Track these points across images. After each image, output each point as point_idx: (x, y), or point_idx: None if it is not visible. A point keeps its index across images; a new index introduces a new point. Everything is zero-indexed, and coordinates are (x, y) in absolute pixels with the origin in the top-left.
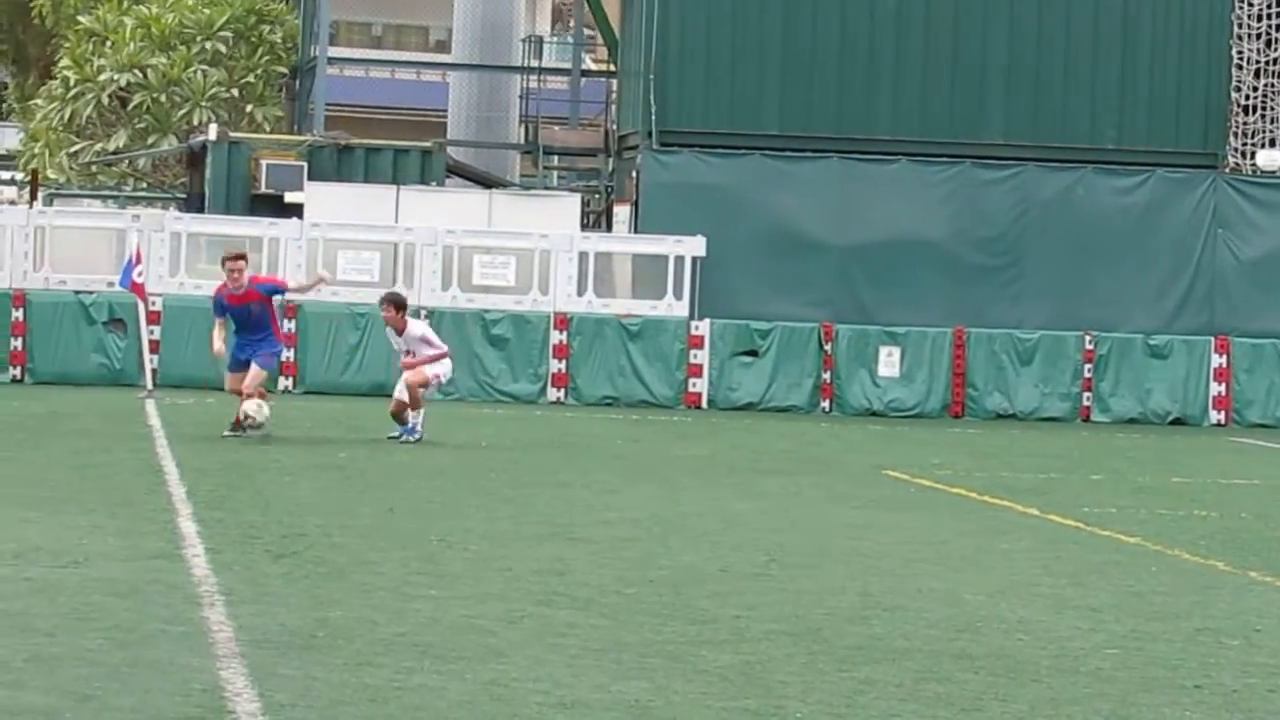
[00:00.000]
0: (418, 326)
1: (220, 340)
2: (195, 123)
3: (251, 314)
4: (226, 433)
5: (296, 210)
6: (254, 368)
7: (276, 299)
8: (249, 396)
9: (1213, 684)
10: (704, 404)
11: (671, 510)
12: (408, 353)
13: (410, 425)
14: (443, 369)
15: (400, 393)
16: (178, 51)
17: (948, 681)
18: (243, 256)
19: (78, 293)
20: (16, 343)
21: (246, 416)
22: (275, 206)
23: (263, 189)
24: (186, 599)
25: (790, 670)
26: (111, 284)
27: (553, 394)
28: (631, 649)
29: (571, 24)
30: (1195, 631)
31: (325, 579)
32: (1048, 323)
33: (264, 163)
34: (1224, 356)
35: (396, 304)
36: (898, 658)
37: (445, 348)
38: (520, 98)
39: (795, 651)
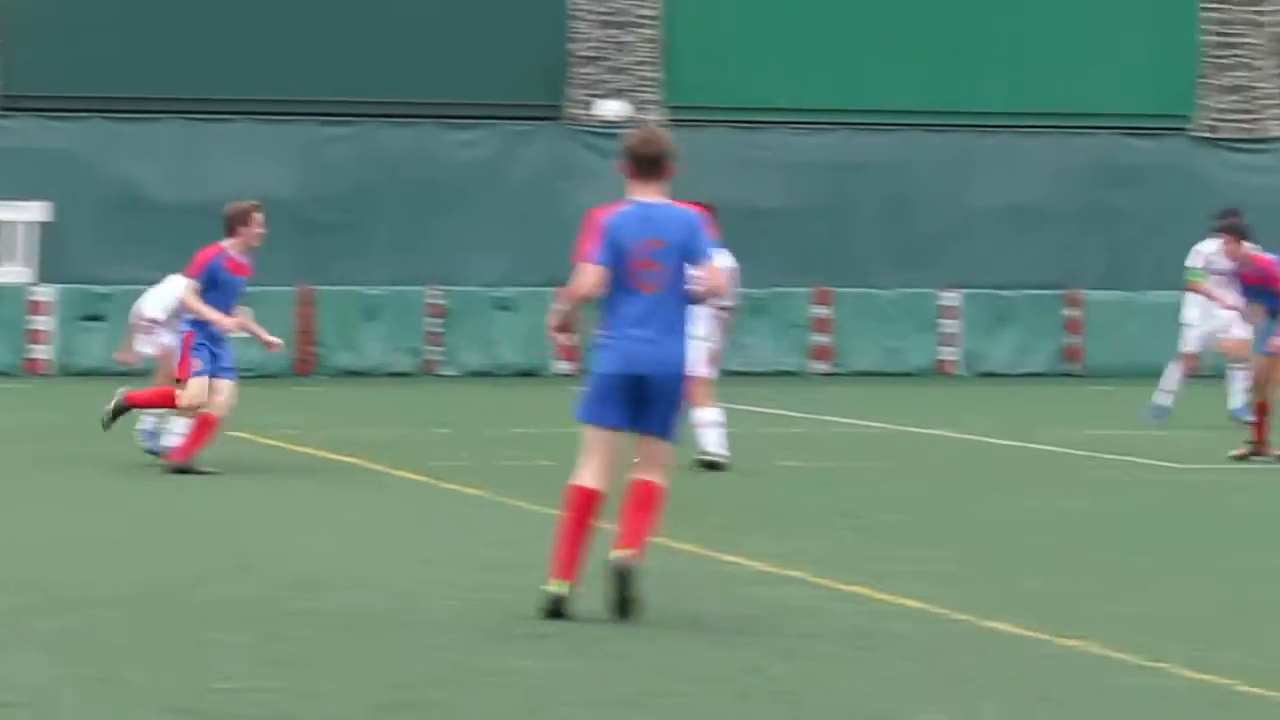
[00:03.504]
0: None
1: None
2: None
3: (243, 296)
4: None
5: None
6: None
7: None
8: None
9: (560, 632)
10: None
11: None
12: None
13: None
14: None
15: None
16: None
17: (290, 640)
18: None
19: None
20: None
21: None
22: None
23: None
24: None
25: (129, 635)
26: None
27: None
28: None
29: None
30: (538, 581)
31: None
32: (394, 278)
33: None
34: None
35: None
36: (242, 620)
37: None
38: None
39: (133, 618)
